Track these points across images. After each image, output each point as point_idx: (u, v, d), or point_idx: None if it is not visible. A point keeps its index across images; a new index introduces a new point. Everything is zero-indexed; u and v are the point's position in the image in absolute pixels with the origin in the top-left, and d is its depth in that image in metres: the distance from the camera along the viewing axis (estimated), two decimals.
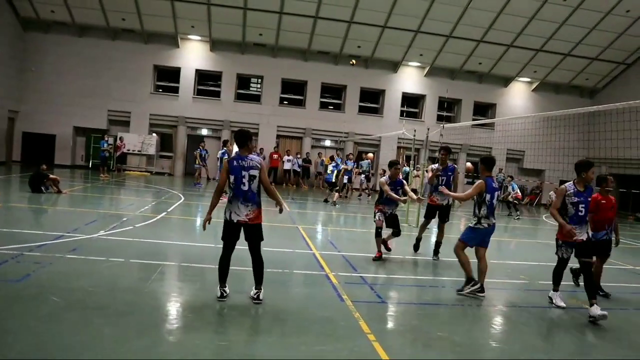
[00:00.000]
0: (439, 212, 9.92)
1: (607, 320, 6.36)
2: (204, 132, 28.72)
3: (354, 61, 22.65)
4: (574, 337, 6.12)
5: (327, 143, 29.86)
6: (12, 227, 9.56)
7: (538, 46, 27.66)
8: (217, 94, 28.73)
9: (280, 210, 6.39)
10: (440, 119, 28.13)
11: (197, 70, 28.36)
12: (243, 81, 29.62)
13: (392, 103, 30.06)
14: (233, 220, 6.05)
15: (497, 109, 30.97)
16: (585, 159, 7.17)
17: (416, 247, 10.28)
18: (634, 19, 25.57)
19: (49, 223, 11.21)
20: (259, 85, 29.68)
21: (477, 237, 7.49)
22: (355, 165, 23.78)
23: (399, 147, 28.89)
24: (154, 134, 27.65)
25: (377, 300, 6.84)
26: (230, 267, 6.19)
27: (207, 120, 28.39)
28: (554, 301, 7.19)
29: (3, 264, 6.84)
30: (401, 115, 29.96)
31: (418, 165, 19.95)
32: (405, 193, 9.32)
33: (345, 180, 22.17)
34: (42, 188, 14.98)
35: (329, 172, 21.44)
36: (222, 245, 6.15)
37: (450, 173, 9.81)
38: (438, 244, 9.89)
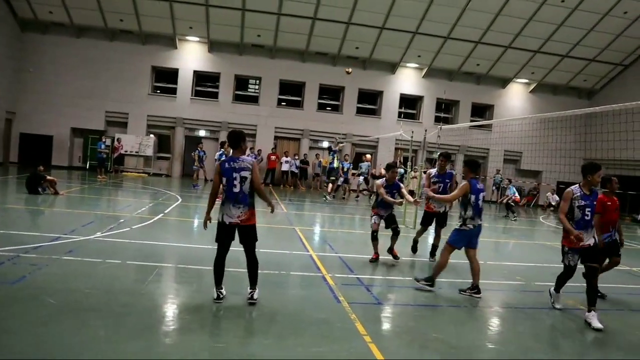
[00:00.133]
0: (436, 219, 9.84)
1: (603, 322, 6.35)
2: (202, 133, 28.70)
3: (349, 70, 22.70)
4: (570, 338, 6.13)
5: (325, 144, 29.85)
6: (8, 228, 9.56)
7: (536, 47, 27.71)
8: (215, 95, 28.72)
9: (272, 210, 6.45)
10: (438, 120, 28.11)
11: (195, 72, 28.35)
12: (241, 82, 29.61)
13: (390, 104, 30.09)
14: (225, 222, 6.05)
15: (495, 110, 31.02)
16: (592, 161, 6.95)
17: (414, 249, 10.26)
18: (631, 21, 25.65)
19: (45, 224, 11.20)
20: (256, 87, 29.68)
21: (464, 239, 7.52)
22: (351, 167, 23.80)
23: (396, 149, 28.92)
24: (152, 135, 27.63)
25: (374, 301, 6.85)
26: (227, 269, 6.19)
27: (204, 122, 28.38)
28: (552, 299, 7.19)
29: None
30: (399, 116, 29.99)
31: (416, 167, 19.98)
32: (402, 196, 9.31)
33: (340, 182, 22.25)
34: (39, 189, 14.96)
35: (330, 160, 21.54)
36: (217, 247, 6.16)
37: (448, 180, 9.62)
38: (434, 247, 9.92)
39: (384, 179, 9.37)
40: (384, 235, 9.58)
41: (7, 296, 5.70)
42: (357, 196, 24.23)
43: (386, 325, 6.05)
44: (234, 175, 5.99)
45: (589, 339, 6.02)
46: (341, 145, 21.83)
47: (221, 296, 6.07)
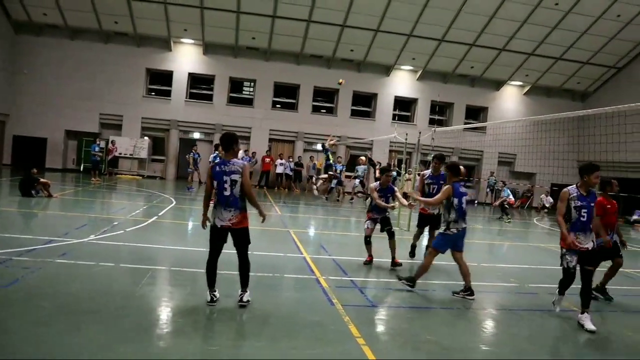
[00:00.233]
0: (431, 221, 9.79)
1: (597, 323, 6.38)
2: (196, 135, 28.68)
3: (341, 81, 22.76)
4: (563, 340, 6.15)
5: (319, 147, 29.84)
6: (1, 231, 9.51)
7: (530, 50, 27.85)
8: (209, 98, 28.70)
9: (263, 220, 6.37)
10: (432, 122, 28.22)
11: (189, 74, 28.34)
12: (235, 85, 29.61)
13: (385, 107, 30.15)
14: (217, 225, 6.06)
15: (489, 112, 31.14)
16: (590, 162, 6.80)
17: (412, 254, 10.26)
18: (624, 23, 25.82)
19: (38, 227, 11.15)
20: (251, 89, 29.68)
21: (448, 243, 7.55)
22: (344, 168, 23.82)
23: (391, 151, 28.98)
24: (146, 138, 27.58)
25: (367, 304, 6.86)
26: (221, 272, 6.20)
27: (199, 124, 28.35)
28: (554, 300, 7.08)
29: None
30: (393, 118, 30.02)
31: (410, 169, 20.01)
32: (395, 199, 9.32)
33: (333, 184, 22.26)
34: (33, 192, 14.89)
35: (325, 158, 21.62)
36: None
37: (442, 181, 9.41)
38: (428, 247, 9.84)
39: (378, 182, 9.38)
40: (380, 239, 9.55)
41: (0, 299, 5.68)
42: (352, 198, 24.25)
43: (379, 328, 6.05)
44: (225, 178, 5.98)
45: (582, 341, 6.04)
46: (333, 142, 21.94)
47: (214, 299, 6.06)
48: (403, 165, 17.12)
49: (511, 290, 8.55)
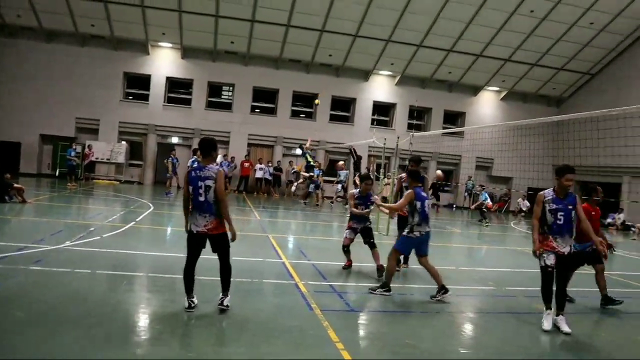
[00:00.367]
0: None
1: (572, 325, 6.47)
2: (175, 140, 28.45)
3: (317, 101, 22.87)
4: (540, 342, 6.21)
5: (299, 151, 29.83)
6: None
7: (506, 56, 28.29)
8: (188, 102, 28.52)
9: (232, 238, 6.07)
10: (410, 127, 28.40)
11: (167, 78, 28.13)
12: (214, 89, 29.49)
13: (363, 111, 30.30)
14: (193, 231, 6.03)
15: (467, 117, 31.49)
16: (565, 164, 6.72)
17: (401, 262, 10.02)
18: (597, 31, 26.45)
19: (12, 234, 10.93)
20: (230, 93, 29.59)
21: (411, 246, 7.67)
22: (321, 174, 23.85)
23: (369, 156, 29.04)
24: (124, 142, 27.27)
25: (346, 308, 6.86)
26: (199, 277, 6.15)
27: (177, 129, 28.14)
28: (543, 323, 6.49)
29: None
30: (372, 123, 30.19)
31: (389, 173, 20.11)
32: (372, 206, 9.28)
33: (311, 189, 22.30)
34: (6, 197, 14.59)
35: (308, 160, 21.65)
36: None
37: (420, 184, 9.57)
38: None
39: (358, 190, 9.33)
40: (360, 242, 9.53)
41: None
42: (332, 202, 24.28)
43: (358, 332, 6.06)
44: (199, 184, 5.94)
45: (558, 343, 6.10)
46: (309, 145, 22.08)
47: (192, 305, 6.00)
48: (382, 170, 17.20)
49: (489, 293, 8.64)
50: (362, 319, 6.62)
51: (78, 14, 24.73)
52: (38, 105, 25.98)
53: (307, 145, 22.96)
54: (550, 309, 6.48)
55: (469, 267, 11.24)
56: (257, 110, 29.66)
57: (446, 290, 7.49)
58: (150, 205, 17.37)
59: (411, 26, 25.80)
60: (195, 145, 25.37)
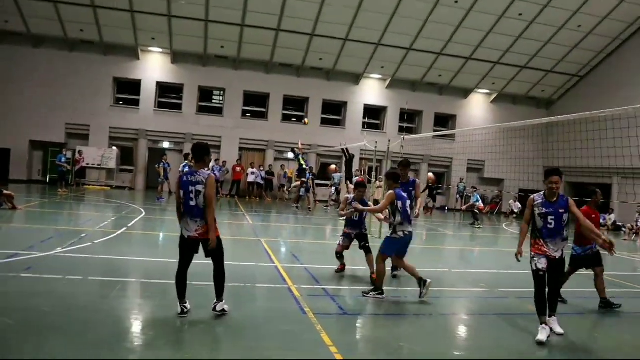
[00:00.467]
0: None
1: (566, 326, 6.49)
2: (166, 145, 28.37)
3: (306, 120, 22.90)
4: (532, 343, 6.22)
5: (290, 155, 29.83)
6: None
7: (496, 59, 28.47)
8: (178, 107, 28.43)
9: (210, 245, 5.89)
10: (401, 130, 28.48)
11: (158, 83, 28.04)
12: (205, 94, 29.43)
13: (354, 115, 30.36)
14: (184, 236, 6.02)
15: (458, 120, 31.64)
16: (551, 166, 6.66)
17: (393, 268, 9.69)
18: (585, 34, 26.71)
19: (2, 241, 10.79)
20: (221, 98, 29.54)
21: (395, 247, 7.71)
22: (310, 177, 23.86)
23: (361, 159, 29.06)
24: (114, 148, 27.12)
25: (340, 312, 6.86)
26: (192, 282, 6.13)
27: (168, 133, 28.05)
28: (539, 333, 6.12)
29: None
30: (363, 126, 30.26)
31: (380, 177, 20.15)
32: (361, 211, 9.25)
33: (302, 192, 22.28)
34: None
35: (300, 164, 21.61)
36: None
37: (411, 188, 9.22)
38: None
39: (352, 195, 9.29)
40: (354, 246, 9.52)
41: None
42: (327, 206, 24.25)
43: (352, 335, 6.06)
44: (190, 188, 5.94)
45: (552, 344, 6.08)
46: (301, 146, 22.15)
47: (185, 310, 5.98)
48: (373, 173, 17.24)
49: (482, 295, 8.67)
50: (356, 322, 6.62)
51: (67, 19, 24.61)
52: (27, 111, 25.79)
53: (300, 146, 22.99)
54: (546, 323, 6.18)
55: (462, 269, 11.28)
56: (248, 115, 29.63)
57: (425, 281, 7.57)
58: (142, 210, 17.29)
59: (401, 30, 25.91)
60: (186, 150, 25.30)
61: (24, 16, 24.28)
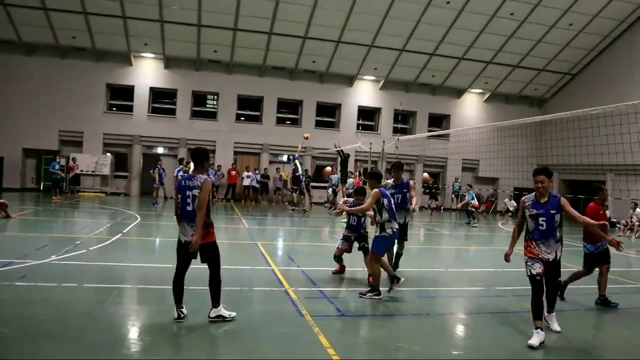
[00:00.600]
0: (399, 229, 8.90)
1: (564, 323, 6.49)
2: (160, 150, 28.28)
3: (307, 135, 22.89)
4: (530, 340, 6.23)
5: (285, 158, 29.85)
6: None
7: (488, 58, 28.55)
8: (172, 112, 28.38)
9: (191, 247, 5.79)
10: (395, 131, 28.53)
11: (151, 88, 27.97)
12: (198, 98, 29.39)
13: (348, 117, 30.37)
14: (181, 241, 6.01)
15: (451, 119, 31.69)
16: (538, 165, 6.51)
17: (394, 266, 9.44)
18: (576, 32, 26.83)
19: None
20: (214, 102, 29.51)
21: (385, 245, 7.78)
22: (307, 180, 23.83)
23: (356, 160, 29.11)
24: (108, 154, 27.04)
25: (337, 313, 6.85)
26: (189, 287, 6.10)
27: (162, 139, 27.98)
28: (534, 337, 5.93)
29: None
30: (357, 128, 30.28)
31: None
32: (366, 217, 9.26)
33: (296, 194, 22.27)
34: None
35: (292, 169, 21.55)
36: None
37: (405, 190, 9.23)
38: (398, 255, 9.38)
39: (351, 200, 9.23)
40: (354, 252, 9.49)
41: None
42: (330, 207, 24.15)
43: (349, 337, 6.05)
44: (187, 193, 5.94)
45: (550, 342, 6.04)
46: (300, 148, 22.15)
47: (182, 315, 5.96)
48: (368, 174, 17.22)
49: (479, 294, 8.68)
50: (353, 323, 6.62)
51: (58, 27, 24.52)
52: (20, 119, 25.67)
53: (299, 148, 22.96)
54: (541, 328, 5.99)
55: (458, 269, 11.30)
56: (242, 119, 29.61)
57: (398, 280, 7.65)
58: (137, 216, 17.23)
59: (393, 31, 25.96)
60: (181, 155, 25.31)
61: (14, 24, 24.18)
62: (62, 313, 6.09)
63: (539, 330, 5.95)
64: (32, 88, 25.84)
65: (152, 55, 27.35)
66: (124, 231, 13.43)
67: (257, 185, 27.21)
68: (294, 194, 22.35)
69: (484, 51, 27.87)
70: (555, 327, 6.35)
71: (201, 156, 6.15)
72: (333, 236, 15.82)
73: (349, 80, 29.90)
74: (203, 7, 23.85)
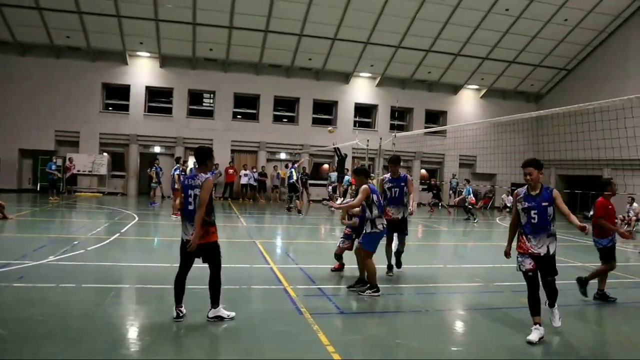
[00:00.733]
0: (397, 226, 9.18)
1: (564, 317, 6.48)
2: (157, 149, 28.22)
3: (331, 129, 22.77)
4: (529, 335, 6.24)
5: (283, 156, 29.83)
6: None
7: (484, 54, 28.56)
8: (169, 111, 28.32)
9: (189, 246, 5.84)
10: (392, 127, 28.54)
11: (147, 87, 27.89)
12: (195, 97, 29.33)
13: (345, 114, 30.36)
14: (183, 239, 6.01)
15: (448, 116, 31.71)
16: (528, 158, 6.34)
17: (398, 264, 9.44)
18: (572, 27, 26.87)
19: None
20: (211, 101, 29.45)
21: (376, 241, 7.76)
22: (305, 178, 23.82)
23: (353, 157, 29.12)
24: (105, 154, 26.98)
25: (336, 311, 6.85)
26: (187, 286, 6.09)
27: (159, 138, 27.92)
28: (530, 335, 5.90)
29: None
30: (354, 125, 30.27)
31: (372, 175, 20.20)
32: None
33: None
34: None
35: (287, 175, 21.49)
36: (178, 265, 6.07)
37: (402, 183, 9.12)
38: (399, 253, 9.33)
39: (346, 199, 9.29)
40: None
41: None
42: (331, 207, 24.12)
43: (349, 334, 6.05)
44: (189, 192, 5.95)
45: (547, 337, 6.07)
46: (302, 161, 22.15)
47: (181, 314, 5.96)
48: None
49: (477, 289, 8.70)
50: (352, 321, 6.62)
51: (52, 26, 24.43)
52: (16, 119, 25.59)
53: (301, 162, 22.98)
54: (539, 323, 5.93)
55: (456, 265, 11.32)
56: (239, 117, 29.57)
57: (365, 284, 7.79)
58: (135, 216, 17.21)
59: (389, 28, 25.94)
60: (178, 154, 25.26)
61: (9, 24, 24.09)
62: (61, 313, 6.08)
63: (537, 325, 5.93)
64: (27, 88, 25.76)
65: (148, 54, 27.28)
66: (122, 231, 13.41)
67: (255, 184, 27.20)
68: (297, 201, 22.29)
69: (479, 47, 27.88)
70: (556, 322, 6.22)
71: (204, 155, 6.11)
72: (331, 233, 15.85)
73: (346, 77, 29.88)
74: (198, 5, 23.79)
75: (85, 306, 6.54)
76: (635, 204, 21.16)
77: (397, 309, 7.25)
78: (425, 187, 28.03)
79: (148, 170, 22.13)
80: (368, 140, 16.26)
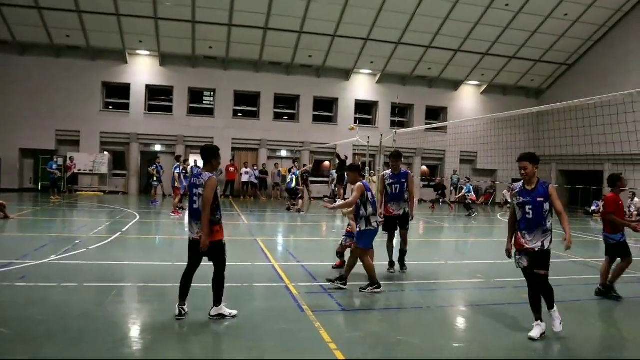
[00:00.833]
0: (397, 221, 9.20)
1: (565, 314, 6.46)
2: (158, 148, 28.22)
3: (352, 126, 22.65)
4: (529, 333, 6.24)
5: (283, 153, 29.82)
6: None
7: (484, 50, 28.49)
8: (169, 109, 28.31)
9: (201, 245, 5.86)
10: (393, 124, 28.52)
11: (147, 86, 27.88)
12: (195, 95, 29.31)
13: (346, 111, 30.32)
14: (190, 238, 6.04)
15: (449, 112, 31.66)
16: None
17: (401, 262, 9.30)
18: (572, 22, 26.78)
19: None
20: (211, 99, 29.43)
21: (371, 238, 7.75)
22: (306, 176, 23.81)
23: (354, 154, 29.12)
24: (106, 153, 26.98)
25: (338, 308, 6.84)
26: (192, 284, 6.10)
27: (160, 136, 27.92)
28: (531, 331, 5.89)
29: None
30: (355, 122, 30.18)
31: (372, 172, 20.17)
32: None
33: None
34: None
35: (288, 180, 21.44)
36: (180, 263, 6.08)
37: (403, 180, 9.13)
38: (403, 252, 9.24)
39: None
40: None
41: None
42: (332, 207, 24.12)
43: (351, 331, 6.04)
44: (194, 191, 5.99)
45: (549, 333, 6.07)
46: (309, 166, 22.20)
47: (183, 312, 5.96)
48: (367, 168, 17.23)
49: (478, 285, 8.69)
50: (354, 318, 6.62)
51: (52, 26, 24.41)
52: (16, 119, 25.59)
53: (306, 167, 22.96)
54: (541, 319, 5.91)
55: (458, 261, 11.31)
56: (239, 114, 29.54)
57: (345, 282, 7.75)
58: (136, 214, 17.21)
59: (389, 24, 25.89)
60: (178, 152, 25.27)
61: (8, 24, 24.07)
62: (62, 313, 6.09)
63: (539, 322, 5.91)
64: (27, 88, 25.76)
65: (148, 53, 27.26)
66: (123, 230, 13.42)
67: (256, 181, 27.22)
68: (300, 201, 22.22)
69: (479, 43, 27.81)
70: (556, 327, 5.96)
71: (208, 153, 6.09)
72: (332, 230, 15.85)
73: (346, 74, 29.83)
74: (197, 3, 23.75)
75: (86, 305, 6.54)
76: (636, 199, 21.13)
77: (398, 306, 7.26)
78: (426, 183, 28.04)
79: (149, 169, 22.13)
80: (369, 137, 16.22)
